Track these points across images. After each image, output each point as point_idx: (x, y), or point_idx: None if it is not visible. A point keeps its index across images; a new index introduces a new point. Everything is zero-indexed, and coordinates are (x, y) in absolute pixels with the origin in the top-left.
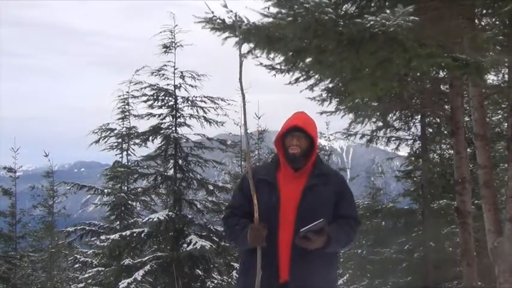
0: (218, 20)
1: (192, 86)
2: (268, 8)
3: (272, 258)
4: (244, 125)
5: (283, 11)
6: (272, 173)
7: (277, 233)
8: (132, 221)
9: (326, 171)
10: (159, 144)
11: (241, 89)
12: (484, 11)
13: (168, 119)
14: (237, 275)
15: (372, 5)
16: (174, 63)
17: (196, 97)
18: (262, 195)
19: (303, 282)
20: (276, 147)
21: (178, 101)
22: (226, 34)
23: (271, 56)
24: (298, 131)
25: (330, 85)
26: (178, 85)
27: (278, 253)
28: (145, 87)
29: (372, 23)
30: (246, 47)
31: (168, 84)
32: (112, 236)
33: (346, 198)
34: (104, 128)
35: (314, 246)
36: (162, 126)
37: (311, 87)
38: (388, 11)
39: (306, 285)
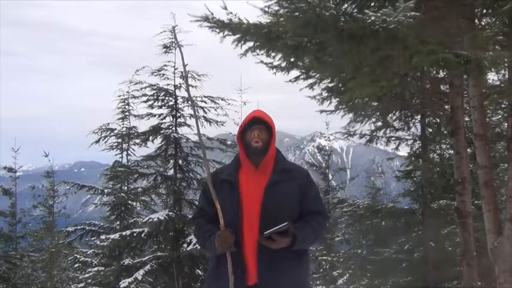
0: (215, 19)
1: (192, 86)
2: (269, 7)
3: (238, 260)
4: (198, 131)
5: (284, 4)
6: (233, 172)
7: (242, 234)
8: (132, 221)
9: (289, 167)
10: (159, 144)
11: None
12: (484, 11)
13: (168, 119)
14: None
15: (372, 4)
16: (174, 63)
17: (196, 97)
18: (225, 196)
19: (272, 284)
20: (238, 144)
21: (178, 101)
22: (225, 32)
23: (272, 54)
24: (259, 123)
25: (330, 84)
26: (178, 85)
27: (244, 255)
28: (145, 87)
29: (372, 18)
30: (245, 46)
31: (168, 84)
32: (112, 236)
33: (312, 194)
34: (104, 128)
35: (278, 246)
36: (162, 126)
37: (311, 86)
38: (389, 8)
39: (276, 286)
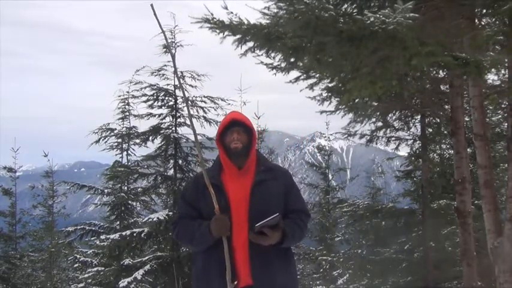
0: (216, 20)
1: (192, 86)
2: (269, 8)
3: (229, 262)
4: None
5: (282, 6)
6: (216, 175)
7: (232, 236)
8: (132, 221)
9: (272, 167)
10: (159, 144)
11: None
12: (484, 11)
13: (168, 119)
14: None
15: (372, 5)
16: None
17: (196, 97)
18: (210, 199)
19: (267, 283)
20: (217, 147)
21: (178, 101)
22: (225, 33)
23: (272, 55)
24: (237, 125)
25: (330, 84)
26: (178, 85)
27: (235, 257)
28: (145, 87)
29: (371, 19)
30: (245, 46)
31: (168, 84)
32: (112, 236)
33: (295, 193)
34: (104, 128)
35: (269, 242)
36: (162, 126)
37: (311, 86)
38: (388, 9)
39: (271, 286)
